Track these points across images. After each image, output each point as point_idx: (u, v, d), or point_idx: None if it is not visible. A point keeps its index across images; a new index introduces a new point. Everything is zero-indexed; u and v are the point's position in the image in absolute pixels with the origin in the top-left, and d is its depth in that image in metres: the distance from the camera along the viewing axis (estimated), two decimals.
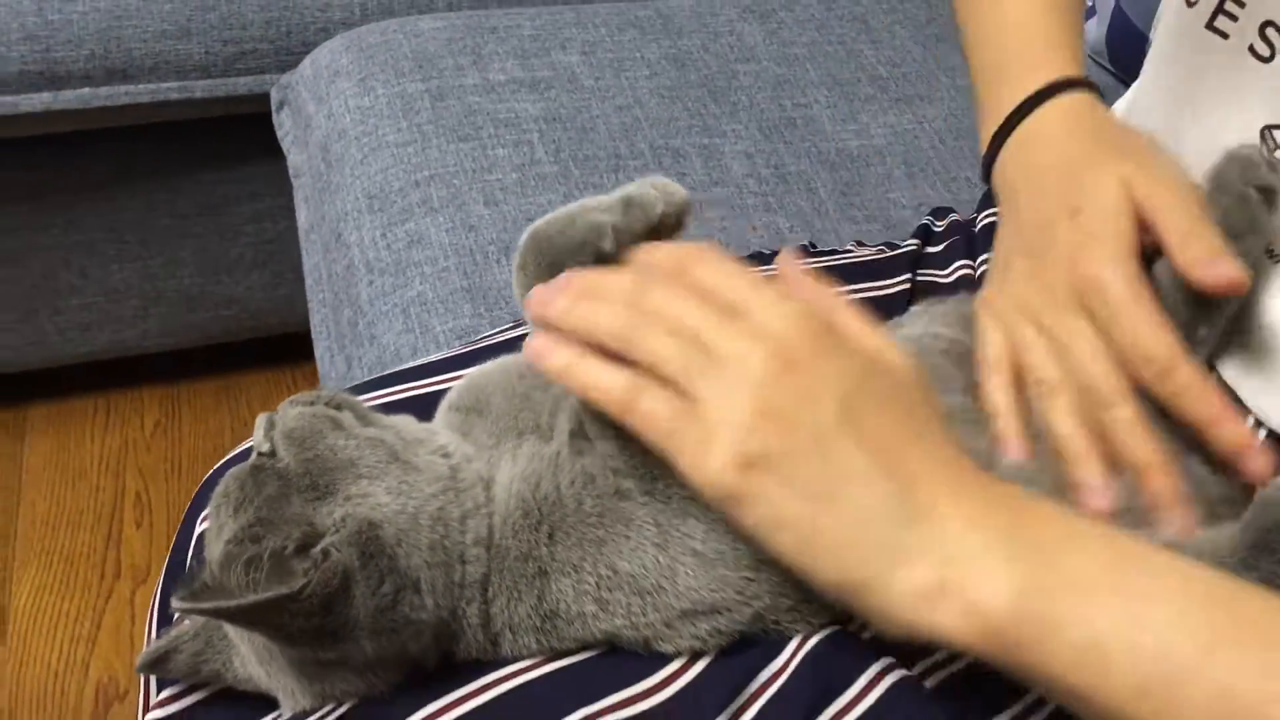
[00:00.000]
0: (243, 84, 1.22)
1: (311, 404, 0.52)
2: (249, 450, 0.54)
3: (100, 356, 1.41)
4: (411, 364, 0.69)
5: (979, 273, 0.71)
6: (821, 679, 0.50)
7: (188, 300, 1.40)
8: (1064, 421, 0.55)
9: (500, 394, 0.56)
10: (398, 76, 1.07)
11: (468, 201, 0.95)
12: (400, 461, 0.50)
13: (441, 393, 0.60)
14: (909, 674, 0.51)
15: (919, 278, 0.72)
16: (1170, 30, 0.63)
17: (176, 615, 0.58)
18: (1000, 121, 0.66)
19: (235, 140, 1.29)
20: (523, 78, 1.07)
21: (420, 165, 0.99)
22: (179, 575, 0.63)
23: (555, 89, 1.06)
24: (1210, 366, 0.58)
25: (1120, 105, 0.74)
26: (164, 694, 0.56)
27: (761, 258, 0.76)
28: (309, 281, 1.04)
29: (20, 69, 1.16)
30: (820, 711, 0.49)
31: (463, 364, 0.66)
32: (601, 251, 0.59)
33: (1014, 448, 0.55)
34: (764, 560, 0.50)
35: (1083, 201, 0.58)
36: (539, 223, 0.60)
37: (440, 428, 0.56)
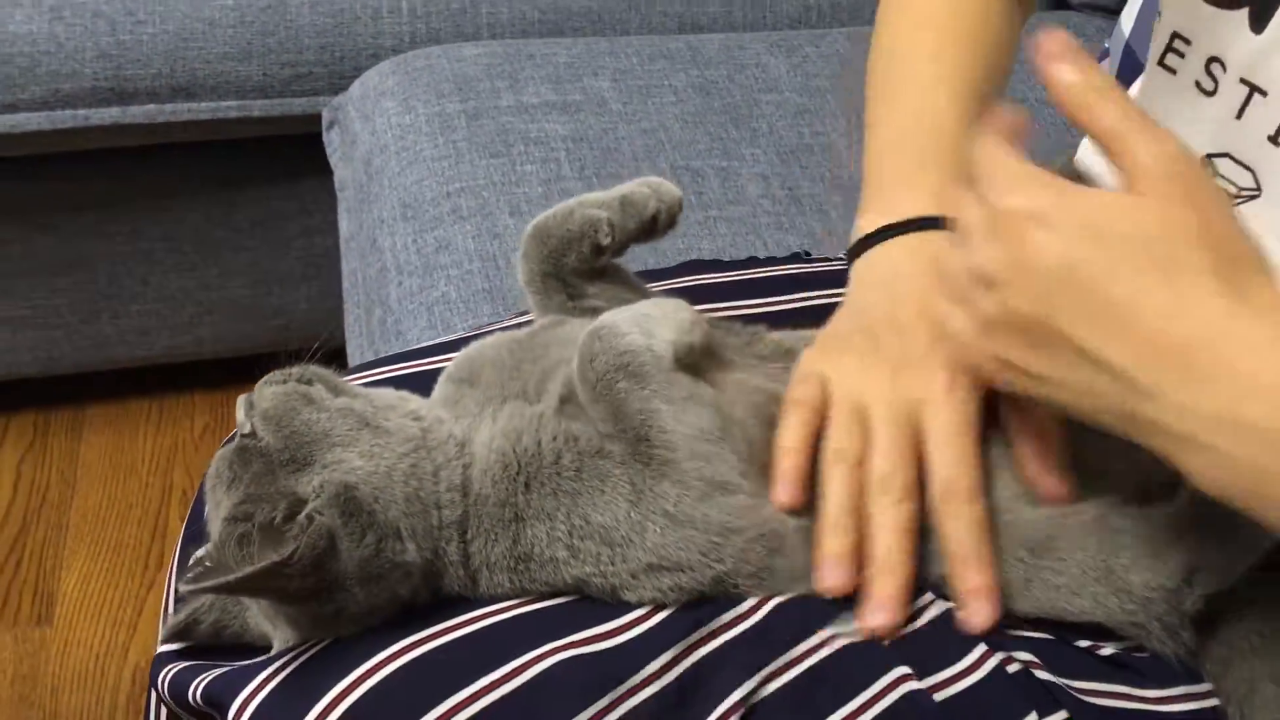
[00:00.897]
0: (297, 104, 1.30)
1: (284, 382, 0.57)
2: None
3: (156, 361, 1.49)
4: (424, 344, 0.75)
5: None
6: (786, 625, 0.54)
7: (239, 310, 1.47)
8: (838, 491, 0.55)
9: (491, 366, 0.62)
10: (438, 97, 1.13)
11: (494, 211, 1.01)
12: (370, 427, 0.55)
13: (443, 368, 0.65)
14: (858, 643, 0.55)
15: None
16: (1146, 71, 0.68)
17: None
18: (876, 227, 0.65)
19: (288, 158, 1.37)
20: (555, 100, 1.13)
21: (453, 178, 1.05)
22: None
23: (584, 112, 1.12)
24: None
25: None
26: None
27: (757, 262, 0.82)
28: (346, 285, 1.11)
29: (93, 85, 1.24)
30: (784, 653, 0.53)
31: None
32: (598, 244, 0.64)
33: (783, 490, 0.56)
34: (732, 528, 0.55)
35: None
36: (541, 216, 0.65)
37: (412, 395, 0.60)
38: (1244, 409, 0.44)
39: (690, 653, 0.53)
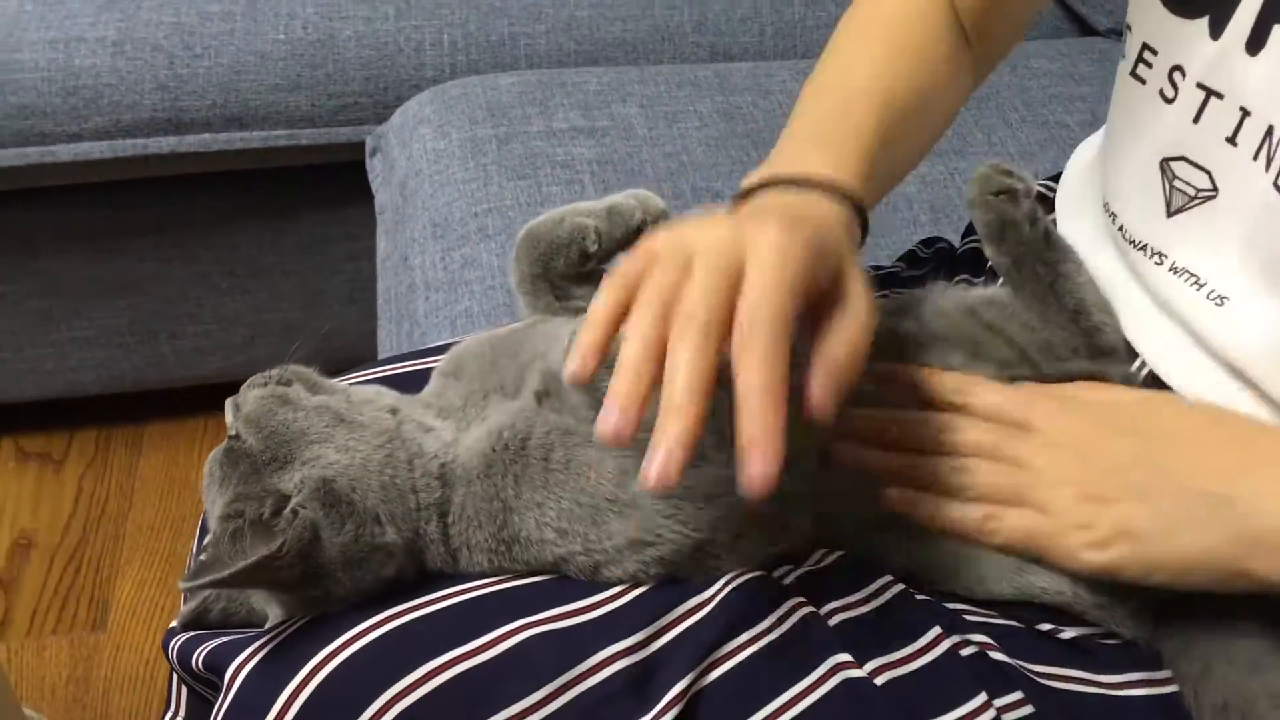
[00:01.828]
0: (342, 133, 1.36)
1: (264, 385, 0.61)
2: None
3: (211, 380, 1.55)
4: (435, 344, 0.79)
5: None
6: (737, 608, 0.57)
7: (289, 331, 1.53)
8: (642, 331, 0.49)
9: (474, 360, 0.65)
10: (471, 123, 1.18)
11: (518, 230, 1.05)
12: (345, 422, 0.59)
13: None
14: (816, 611, 0.57)
15: (896, 294, 0.79)
16: (1118, 81, 0.70)
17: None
18: (754, 183, 0.63)
19: (335, 185, 1.43)
20: (583, 126, 1.18)
21: (481, 199, 1.10)
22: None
23: (611, 136, 1.16)
24: None
25: (1091, 142, 0.80)
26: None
27: None
28: (380, 302, 1.16)
29: (151, 115, 1.31)
30: (728, 640, 0.56)
31: None
32: (585, 251, 0.68)
33: (573, 363, 0.50)
34: (712, 495, 0.58)
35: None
36: (533, 221, 0.69)
37: (389, 390, 0.64)
38: None
39: (653, 640, 0.55)
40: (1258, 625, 0.56)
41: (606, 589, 0.58)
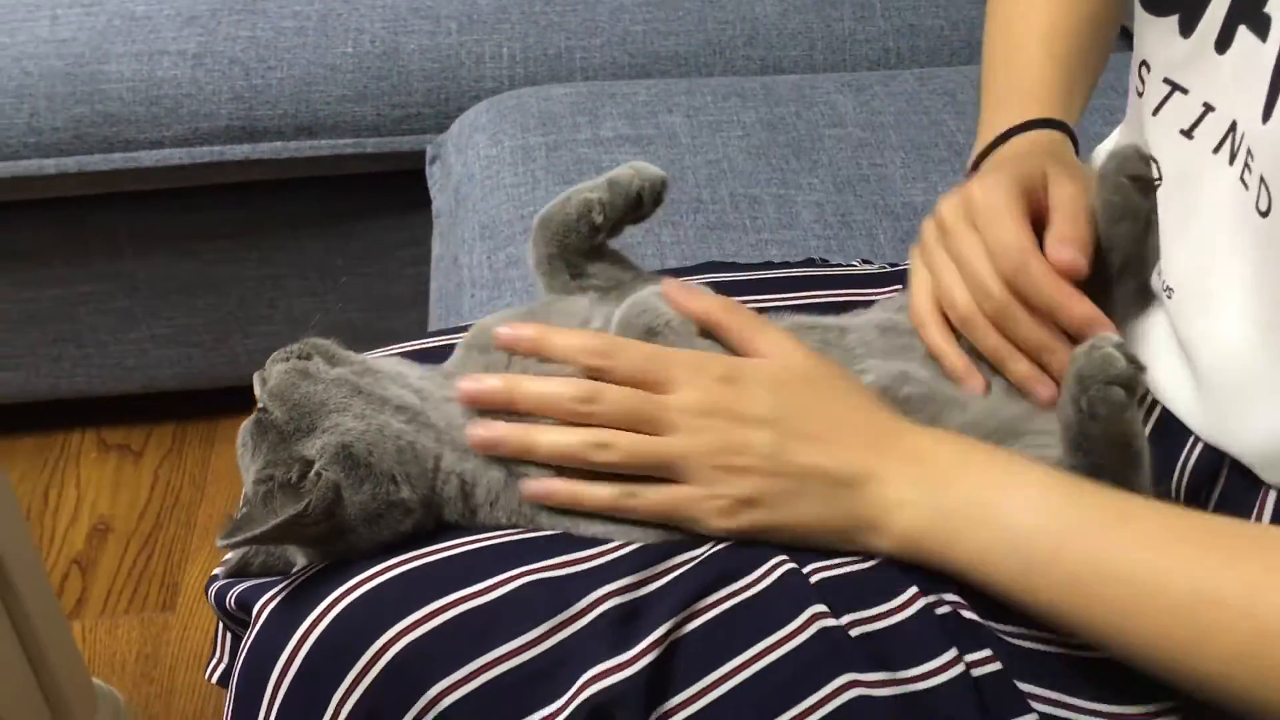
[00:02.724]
0: (405, 142, 1.42)
1: (286, 359, 0.67)
2: None
3: None
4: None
5: None
6: (723, 564, 0.61)
7: (355, 332, 1.59)
8: (986, 337, 0.68)
9: None
10: (523, 132, 1.24)
11: None
12: (362, 393, 0.64)
13: None
14: (798, 569, 0.61)
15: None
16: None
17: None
18: (988, 143, 0.77)
19: (400, 192, 1.49)
20: (629, 134, 1.23)
21: (528, 202, 1.15)
22: None
23: (655, 144, 1.21)
24: None
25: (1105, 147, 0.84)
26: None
27: (772, 265, 0.88)
28: (432, 300, 1.21)
29: (227, 124, 1.39)
30: (713, 592, 0.60)
31: None
32: (593, 223, 0.73)
33: (970, 382, 0.68)
34: None
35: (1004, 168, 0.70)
36: (545, 207, 0.75)
37: (416, 365, 0.70)
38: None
39: (642, 585, 0.60)
40: None
41: (604, 542, 0.62)
